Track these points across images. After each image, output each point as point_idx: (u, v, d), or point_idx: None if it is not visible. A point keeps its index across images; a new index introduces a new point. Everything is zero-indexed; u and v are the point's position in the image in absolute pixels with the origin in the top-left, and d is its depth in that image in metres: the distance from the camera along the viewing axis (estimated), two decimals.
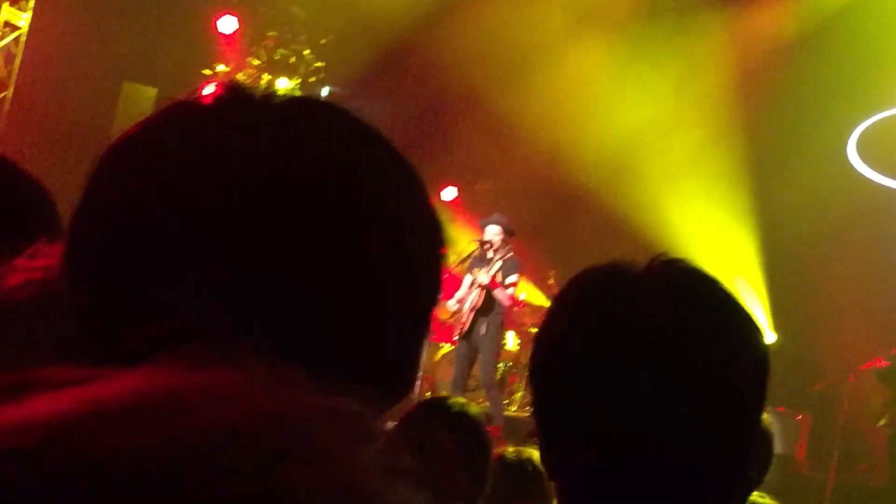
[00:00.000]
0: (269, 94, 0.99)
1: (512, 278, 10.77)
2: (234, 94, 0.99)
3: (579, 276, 1.42)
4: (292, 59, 14.45)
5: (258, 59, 14.13)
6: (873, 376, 10.84)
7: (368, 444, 0.73)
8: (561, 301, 1.43)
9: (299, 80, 14.51)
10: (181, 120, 0.97)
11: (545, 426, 1.36)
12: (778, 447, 11.07)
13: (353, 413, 0.75)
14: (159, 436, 0.66)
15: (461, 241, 11.76)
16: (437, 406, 3.73)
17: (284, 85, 14.29)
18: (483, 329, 10.80)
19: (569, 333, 1.36)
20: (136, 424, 0.66)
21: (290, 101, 0.99)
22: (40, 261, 0.95)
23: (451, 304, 11.09)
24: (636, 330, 1.30)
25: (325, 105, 1.02)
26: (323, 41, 14.15)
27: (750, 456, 1.32)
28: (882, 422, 10.69)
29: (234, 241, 0.88)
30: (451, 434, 3.40)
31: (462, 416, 3.57)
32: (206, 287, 0.86)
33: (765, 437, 3.81)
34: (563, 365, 1.34)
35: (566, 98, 14.19)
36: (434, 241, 1.02)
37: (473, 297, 10.82)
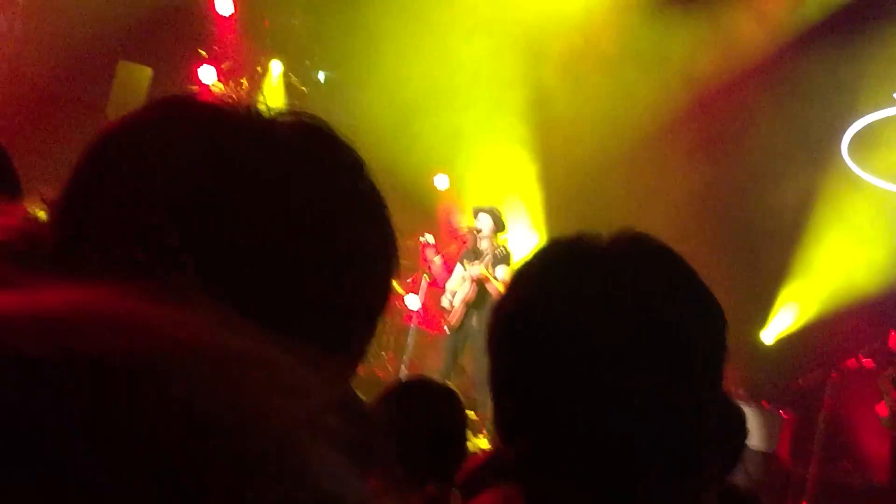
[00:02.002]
0: (271, 119, 1.04)
1: (501, 271, 10.67)
2: (242, 111, 1.04)
3: (543, 248, 1.42)
4: (287, 42, 14.42)
5: (254, 41, 14.09)
6: (886, 380, 10.66)
7: (297, 399, 0.62)
8: (524, 272, 1.42)
9: (293, 64, 14.48)
10: (187, 120, 1.01)
11: (501, 393, 1.37)
12: (761, 443, 11.10)
13: (285, 361, 0.65)
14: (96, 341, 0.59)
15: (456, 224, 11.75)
16: (419, 386, 3.77)
17: (278, 67, 14.28)
18: (476, 322, 10.74)
19: (531, 304, 1.36)
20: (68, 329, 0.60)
21: (292, 129, 1.04)
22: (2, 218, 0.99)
23: (444, 300, 11.10)
24: (598, 300, 1.31)
25: (325, 135, 1.07)
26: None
27: (708, 425, 1.34)
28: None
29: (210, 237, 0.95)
30: (427, 413, 3.43)
31: (443, 397, 3.61)
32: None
33: (732, 417, 3.83)
34: (524, 335, 1.34)
35: (562, 85, 14.18)
36: (386, 261, 1.08)
37: (466, 290, 10.77)
